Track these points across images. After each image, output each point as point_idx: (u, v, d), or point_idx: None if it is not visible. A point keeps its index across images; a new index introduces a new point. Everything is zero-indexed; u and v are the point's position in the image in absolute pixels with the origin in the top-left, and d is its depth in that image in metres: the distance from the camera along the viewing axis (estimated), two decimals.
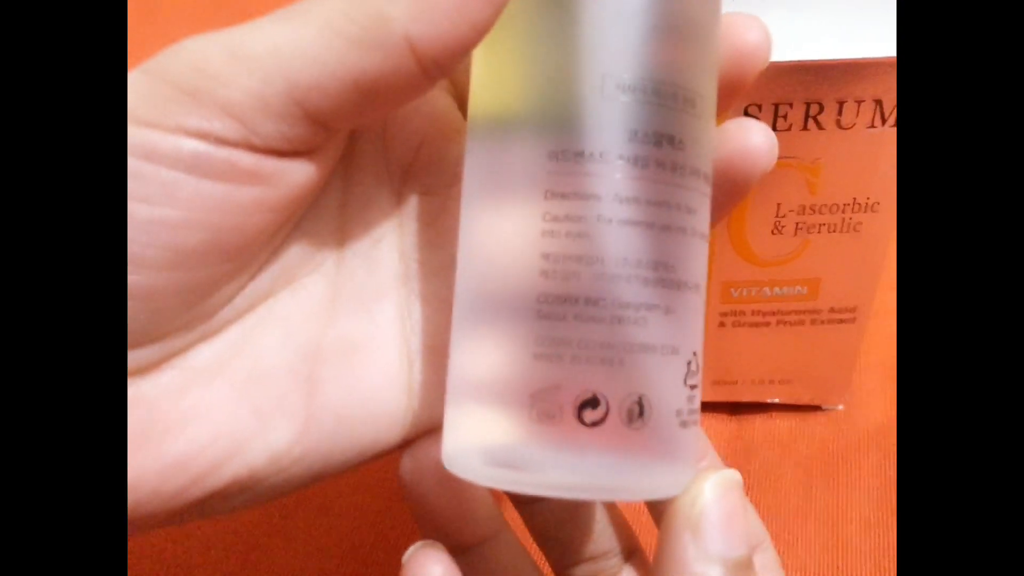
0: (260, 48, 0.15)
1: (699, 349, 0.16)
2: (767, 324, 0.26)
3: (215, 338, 0.17)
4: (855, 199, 0.23)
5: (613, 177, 0.15)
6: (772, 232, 0.24)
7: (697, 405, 0.16)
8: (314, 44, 0.14)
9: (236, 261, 0.16)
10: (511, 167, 0.15)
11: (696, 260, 0.16)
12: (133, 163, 0.15)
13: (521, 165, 0.15)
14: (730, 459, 0.29)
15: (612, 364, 0.15)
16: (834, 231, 0.24)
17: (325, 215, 0.18)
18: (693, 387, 0.16)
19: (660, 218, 0.15)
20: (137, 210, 0.15)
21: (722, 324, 0.27)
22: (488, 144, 0.16)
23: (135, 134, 0.15)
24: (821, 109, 0.22)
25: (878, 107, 0.22)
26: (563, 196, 0.15)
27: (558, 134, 0.15)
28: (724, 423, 0.30)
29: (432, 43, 0.14)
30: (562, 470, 0.15)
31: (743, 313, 0.26)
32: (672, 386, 0.15)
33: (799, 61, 0.21)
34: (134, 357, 0.16)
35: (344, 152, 0.18)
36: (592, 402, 0.15)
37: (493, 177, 0.16)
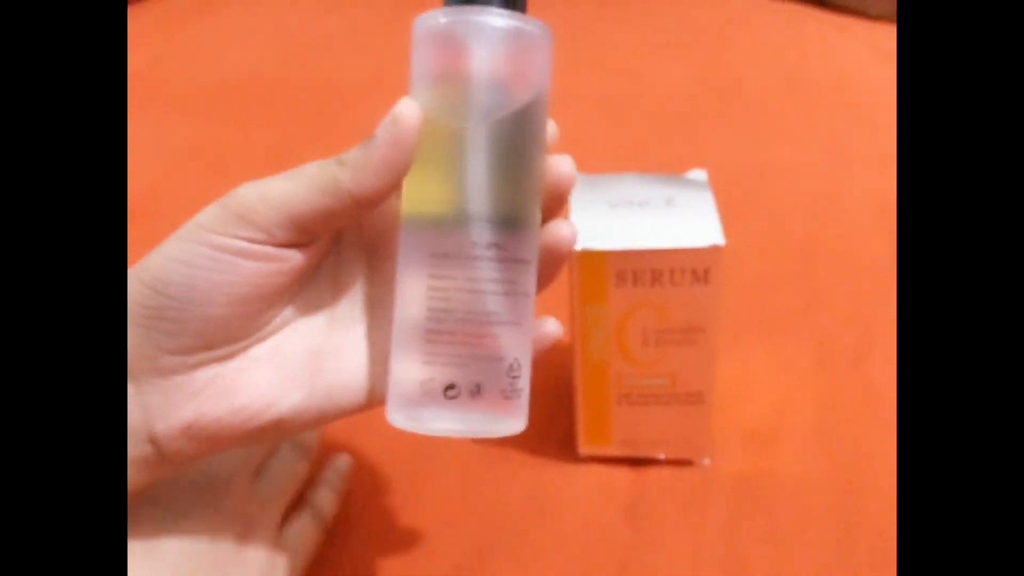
0: (276, 194, 0.27)
1: (520, 356, 0.28)
2: (647, 403, 0.40)
3: (263, 343, 0.29)
4: (690, 324, 0.38)
5: (464, 267, 0.27)
6: (643, 345, 0.38)
7: (519, 387, 0.28)
8: (302, 192, 0.27)
9: (268, 302, 0.29)
10: (414, 256, 0.27)
11: (516, 307, 0.27)
12: (213, 253, 0.27)
13: (418, 256, 0.27)
14: (629, 502, 0.42)
15: (464, 367, 0.27)
16: (680, 344, 0.38)
17: (325, 278, 0.31)
18: (515, 377, 0.28)
19: (493, 287, 0.27)
20: (215, 278, 0.27)
21: (620, 402, 0.41)
22: (406, 236, 0.28)
23: (213, 238, 0.27)
24: (662, 274, 0.36)
25: (698, 273, 0.36)
26: (438, 277, 0.27)
27: (435, 241, 0.27)
28: (625, 473, 0.43)
29: (366, 192, 0.27)
30: (439, 423, 0.27)
31: (631, 395, 0.40)
32: (498, 377, 0.27)
33: (645, 249, 0.36)
34: (222, 352, 0.28)
35: (335, 242, 0.31)
36: (451, 387, 0.27)
37: (405, 259, 0.28)
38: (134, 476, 0.28)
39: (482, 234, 0.27)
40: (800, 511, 0.41)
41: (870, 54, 0.82)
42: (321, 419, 0.30)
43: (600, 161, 0.68)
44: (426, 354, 0.27)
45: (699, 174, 0.40)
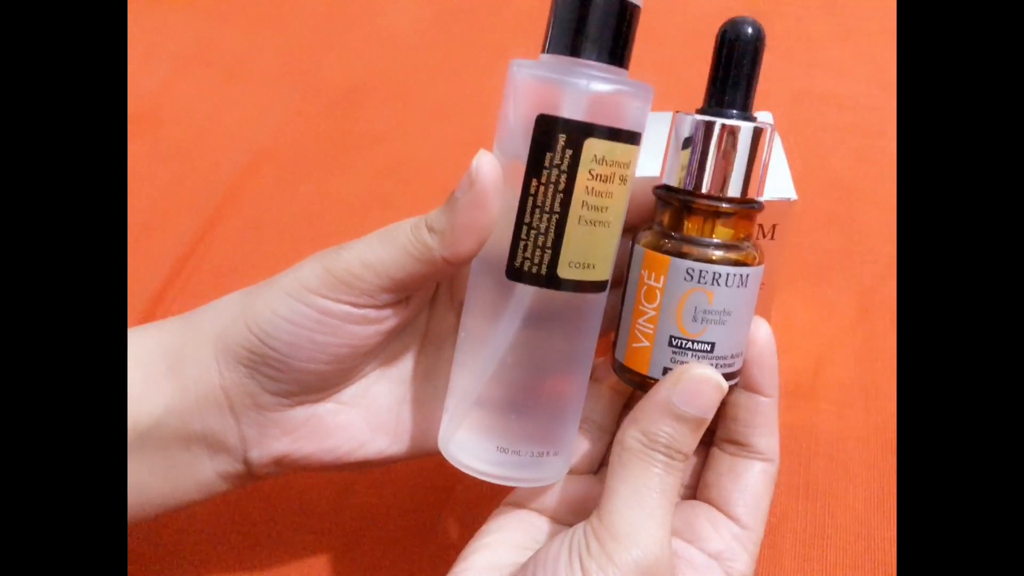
0: (376, 261, 0.28)
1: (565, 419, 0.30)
2: None
3: (354, 385, 0.32)
4: None
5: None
6: None
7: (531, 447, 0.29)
8: (399, 259, 0.28)
9: (365, 357, 0.31)
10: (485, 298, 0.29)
11: (577, 376, 0.29)
12: (319, 316, 0.28)
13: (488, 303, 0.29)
14: None
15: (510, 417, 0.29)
16: None
17: (415, 330, 0.33)
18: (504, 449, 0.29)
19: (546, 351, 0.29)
20: (319, 339, 0.29)
21: None
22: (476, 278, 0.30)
23: (319, 301, 0.28)
24: None
25: (764, 228, 0.34)
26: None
27: (494, 288, 0.28)
28: None
29: (458, 255, 0.28)
30: (482, 465, 0.29)
31: None
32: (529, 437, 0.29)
33: None
34: (316, 397, 0.31)
35: (426, 299, 0.32)
36: (501, 447, 0.29)
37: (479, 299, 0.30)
38: (222, 486, 0.31)
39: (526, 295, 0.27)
40: (838, 467, 0.41)
41: None
42: (399, 460, 0.33)
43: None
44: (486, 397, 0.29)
45: (765, 116, 0.37)
